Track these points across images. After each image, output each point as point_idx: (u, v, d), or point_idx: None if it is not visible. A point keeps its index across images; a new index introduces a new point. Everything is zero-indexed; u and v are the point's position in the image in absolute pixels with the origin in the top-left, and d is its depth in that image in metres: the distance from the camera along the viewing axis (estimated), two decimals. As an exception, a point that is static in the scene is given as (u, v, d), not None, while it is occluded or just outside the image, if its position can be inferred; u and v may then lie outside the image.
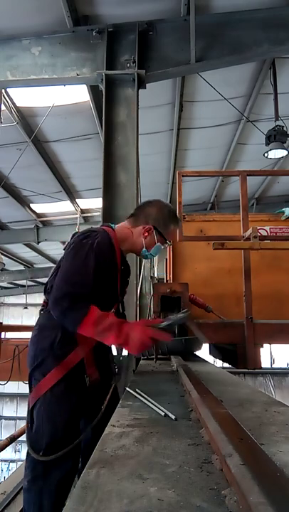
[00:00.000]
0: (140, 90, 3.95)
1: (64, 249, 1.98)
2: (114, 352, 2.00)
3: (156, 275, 6.77)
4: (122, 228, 2.04)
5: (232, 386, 1.69)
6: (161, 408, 1.16)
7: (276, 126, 5.52)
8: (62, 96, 5.35)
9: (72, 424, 1.74)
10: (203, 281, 3.70)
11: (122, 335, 1.65)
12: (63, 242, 12.33)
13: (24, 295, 18.35)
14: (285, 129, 5.55)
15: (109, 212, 3.66)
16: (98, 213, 9.10)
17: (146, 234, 1.98)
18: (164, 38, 4.09)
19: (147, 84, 4.06)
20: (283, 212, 4.04)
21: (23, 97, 5.52)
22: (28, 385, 1.86)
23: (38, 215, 10.39)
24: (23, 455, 15.82)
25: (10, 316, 19.78)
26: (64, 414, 1.70)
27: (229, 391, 1.54)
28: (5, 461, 16.62)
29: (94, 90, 5.30)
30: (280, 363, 13.21)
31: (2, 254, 11.56)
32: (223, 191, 9.46)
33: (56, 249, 13.57)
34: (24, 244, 12.25)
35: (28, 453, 1.74)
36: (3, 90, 5.12)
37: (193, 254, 3.90)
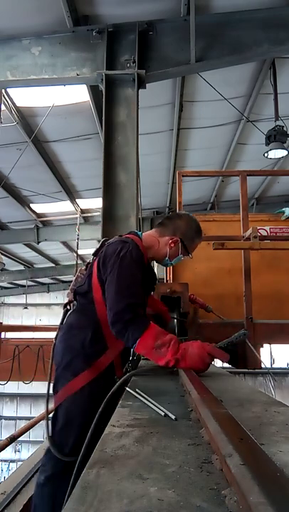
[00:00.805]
0: (140, 90, 3.95)
1: (93, 255, 2.06)
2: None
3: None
4: (149, 237, 2.11)
5: (232, 386, 1.69)
6: (161, 408, 1.16)
7: (276, 126, 5.52)
8: (62, 96, 5.36)
9: (100, 426, 1.74)
10: (203, 281, 3.70)
11: (180, 350, 1.66)
12: (64, 243, 12.35)
13: (24, 295, 18.35)
14: (285, 129, 5.55)
15: (109, 212, 3.66)
16: (98, 213, 9.10)
17: (173, 245, 2.07)
18: (164, 38, 4.09)
19: (147, 84, 4.07)
20: (283, 212, 4.03)
21: (23, 97, 5.52)
22: (53, 384, 1.88)
23: (38, 215, 10.39)
24: (23, 455, 15.83)
25: (10, 316, 19.78)
26: (92, 416, 1.69)
27: (229, 391, 1.54)
28: (5, 461, 16.62)
29: (94, 90, 5.30)
30: (280, 363, 13.21)
31: (2, 254, 11.56)
32: (223, 191, 9.46)
33: (56, 249, 13.59)
34: (24, 244, 12.25)
35: (48, 450, 1.73)
36: (3, 90, 5.12)
37: (193, 254, 3.89)
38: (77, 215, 9.74)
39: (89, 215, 10.44)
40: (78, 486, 0.67)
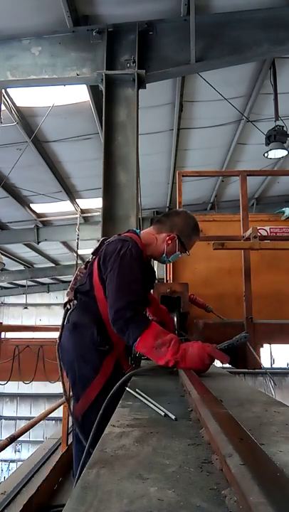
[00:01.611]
0: (140, 90, 3.95)
1: (92, 254, 2.07)
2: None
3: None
4: (147, 234, 2.12)
5: (232, 386, 1.68)
6: (161, 408, 1.16)
7: (276, 126, 5.52)
8: (62, 96, 5.36)
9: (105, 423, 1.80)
10: (203, 281, 3.69)
11: (180, 351, 1.66)
12: (64, 243, 12.34)
13: (24, 295, 18.36)
14: (285, 129, 5.55)
15: (109, 212, 3.66)
16: (98, 213, 9.10)
17: (170, 242, 2.08)
18: (164, 38, 4.09)
19: (147, 84, 4.07)
20: (283, 212, 4.03)
21: (23, 97, 5.52)
22: (71, 386, 1.92)
23: (38, 215, 10.39)
24: (23, 455, 15.83)
25: (10, 316, 19.78)
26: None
27: (229, 391, 1.54)
28: (5, 461, 16.62)
29: (94, 90, 5.30)
30: (280, 363, 13.21)
31: (2, 254, 11.56)
32: (223, 191, 9.46)
33: (56, 249, 13.59)
34: (24, 244, 12.26)
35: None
36: (3, 90, 5.12)
37: (193, 254, 3.88)
38: (77, 215, 9.74)
39: (89, 215, 10.44)
40: (78, 486, 0.67)
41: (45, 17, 4.13)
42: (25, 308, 18.45)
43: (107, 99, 3.86)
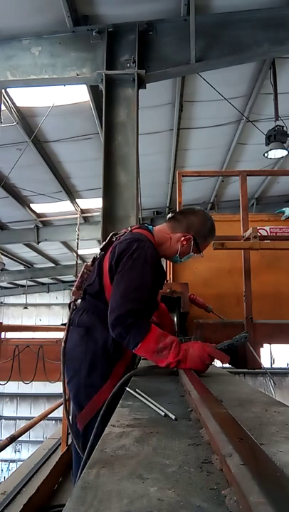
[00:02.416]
0: (140, 90, 3.96)
1: (101, 250, 1.99)
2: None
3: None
4: (161, 233, 2.01)
5: (232, 386, 1.68)
6: (161, 408, 1.16)
7: (276, 126, 5.52)
8: (62, 96, 5.36)
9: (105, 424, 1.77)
10: (203, 281, 3.70)
11: (181, 352, 1.65)
12: (64, 243, 12.33)
13: (24, 295, 18.36)
14: (285, 129, 5.55)
15: (109, 212, 3.66)
16: (98, 213, 9.11)
17: (185, 242, 1.97)
18: (164, 38, 4.09)
19: (147, 84, 4.07)
20: (283, 212, 4.03)
21: (23, 97, 5.52)
22: (74, 394, 1.85)
23: (38, 215, 10.40)
24: (23, 455, 15.84)
25: (10, 316, 19.79)
26: None
27: (229, 391, 1.54)
28: (5, 461, 16.63)
29: (94, 90, 5.30)
30: (280, 363, 13.20)
31: (2, 254, 11.56)
32: (223, 191, 9.46)
33: (56, 249, 13.59)
34: (24, 244, 12.26)
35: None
36: (3, 90, 5.12)
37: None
38: (77, 215, 9.74)
39: (89, 215, 10.44)
40: (78, 486, 0.67)
41: (45, 17, 4.14)
42: (25, 308, 18.45)
43: (107, 99, 3.86)
